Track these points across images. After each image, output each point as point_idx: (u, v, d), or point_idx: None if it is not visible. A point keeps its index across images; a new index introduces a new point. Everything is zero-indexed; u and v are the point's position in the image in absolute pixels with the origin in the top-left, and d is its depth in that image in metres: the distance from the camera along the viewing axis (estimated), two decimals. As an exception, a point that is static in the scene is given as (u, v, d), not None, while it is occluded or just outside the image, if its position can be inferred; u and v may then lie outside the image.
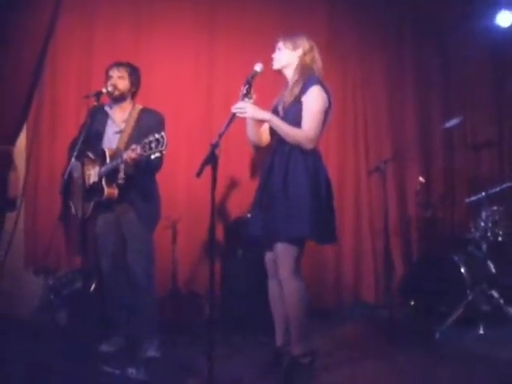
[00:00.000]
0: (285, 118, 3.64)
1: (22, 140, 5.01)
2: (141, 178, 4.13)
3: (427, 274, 5.23)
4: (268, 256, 3.82)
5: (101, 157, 4.11)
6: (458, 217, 5.99)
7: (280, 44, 3.74)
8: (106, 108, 4.26)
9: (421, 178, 5.48)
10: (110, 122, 4.27)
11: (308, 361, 3.69)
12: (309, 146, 3.57)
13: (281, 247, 3.62)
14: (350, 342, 4.61)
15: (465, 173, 6.18)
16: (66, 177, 4.10)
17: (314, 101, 3.59)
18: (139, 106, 4.30)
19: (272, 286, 3.83)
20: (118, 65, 4.28)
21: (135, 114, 4.24)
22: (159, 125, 4.18)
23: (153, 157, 3.66)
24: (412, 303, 5.28)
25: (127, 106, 4.29)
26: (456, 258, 5.01)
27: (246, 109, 3.52)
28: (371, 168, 5.59)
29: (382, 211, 5.39)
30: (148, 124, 4.17)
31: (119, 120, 4.26)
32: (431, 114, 6.22)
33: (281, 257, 3.63)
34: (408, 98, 6.15)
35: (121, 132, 4.22)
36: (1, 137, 4.81)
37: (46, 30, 4.86)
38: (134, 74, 4.31)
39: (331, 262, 5.73)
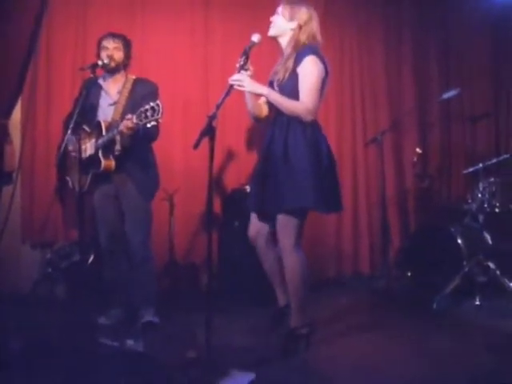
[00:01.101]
0: (281, 93, 3.61)
1: (17, 113, 4.98)
2: (137, 148, 4.12)
3: (424, 245, 5.24)
4: (257, 227, 3.83)
5: (96, 129, 4.09)
6: (454, 188, 6.01)
7: (279, 8, 3.69)
8: (100, 80, 4.23)
9: (418, 149, 5.47)
10: (103, 94, 4.25)
11: (306, 332, 3.71)
12: (308, 117, 3.54)
13: (283, 219, 3.61)
14: (348, 313, 4.62)
15: (462, 144, 6.18)
16: (61, 151, 4.09)
17: (309, 72, 3.55)
18: (132, 77, 4.28)
19: (266, 255, 3.83)
20: (114, 36, 4.24)
21: (129, 85, 4.22)
22: (153, 94, 4.16)
23: (149, 125, 3.65)
24: (409, 274, 5.29)
25: (120, 77, 4.26)
26: (453, 230, 5.02)
27: (244, 82, 3.48)
28: (368, 139, 5.60)
29: (379, 182, 5.40)
30: (142, 94, 4.15)
31: (113, 92, 4.24)
32: (429, 86, 6.19)
33: (282, 228, 3.63)
34: (406, 69, 6.12)
35: (115, 104, 4.20)
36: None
37: (41, 4, 4.79)
38: (128, 45, 4.29)
39: (330, 233, 5.76)
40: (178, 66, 5.34)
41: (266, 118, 3.90)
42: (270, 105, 3.79)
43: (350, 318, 4.47)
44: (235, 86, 3.47)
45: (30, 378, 3.18)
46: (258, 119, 3.91)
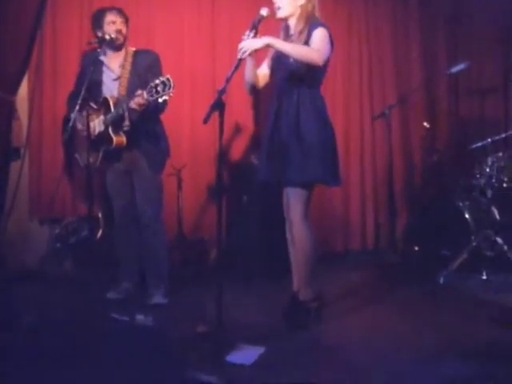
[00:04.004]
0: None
1: (23, 89, 4.96)
2: (146, 122, 4.11)
3: (432, 220, 5.24)
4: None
5: (103, 105, 4.08)
6: (462, 163, 5.97)
7: None
8: (100, 56, 4.17)
9: (426, 124, 5.45)
10: (105, 69, 4.23)
11: (316, 306, 3.73)
12: (319, 58, 3.44)
13: (292, 191, 3.63)
14: (357, 288, 4.64)
15: (470, 118, 6.13)
16: (69, 129, 4.06)
17: (321, 33, 3.51)
18: (131, 49, 4.25)
19: (287, 228, 3.82)
20: (120, 11, 4.22)
21: (130, 58, 4.20)
22: (155, 63, 4.18)
23: (161, 100, 3.64)
24: (416, 249, 5.30)
25: (121, 51, 4.24)
26: (461, 204, 5.01)
27: (245, 47, 3.41)
28: (376, 114, 5.57)
29: (386, 157, 5.39)
30: (144, 65, 4.15)
31: (114, 66, 4.22)
32: (436, 59, 6.12)
33: (292, 201, 3.65)
34: (413, 43, 6.07)
35: (119, 78, 4.18)
36: (2, 86, 4.76)
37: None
38: (128, 20, 4.27)
39: (338, 208, 5.77)
40: (185, 40, 5.33)
41: (262, 89, 3.88)
42: (274, 74, 3.77)
43: (359, 292, 4.51)
44: (241, 56, 3.40)
45: (40, 353, 3.19)
46: (253, 89, 3.86)
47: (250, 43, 3.42)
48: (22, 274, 4.69)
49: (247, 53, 3.41)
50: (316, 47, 3.48)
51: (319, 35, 3.51)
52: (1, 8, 4.71)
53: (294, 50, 3.47)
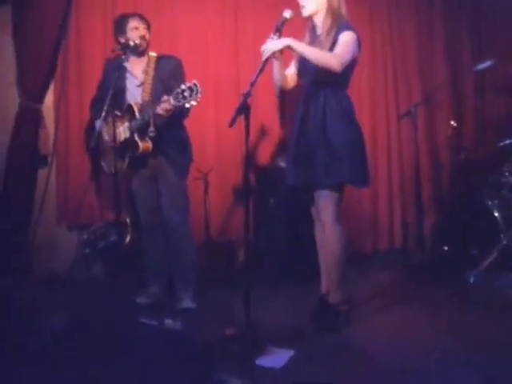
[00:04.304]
0: None
1: (50, 97, 5.01)
2: (171, 128, 4.11)
3: (461, 219, 5.17)
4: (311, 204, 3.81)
5: (128, 112, 4.10)
6: (491, 160, 5.90)
7: None
8: (123, 61, 4.14)
9: (452, 122, 5.40)
10: (128, 75, 4.24)
11: (346, 308, 3.72)
12: (338, 64, 3.41)
13: (322, 194, 3.63)
14: (386, 289, 4.61)
15: (497, 116, 6.06)
16: (95, 137, 4.07)
17: (348, 37, 3.50)
18: (154, 55, 4.26)
19: (316, 231, 3.82)
20: (142, 17, 4.23)
21: (152, 64, 4.21)
22: (178, 68, 4.20)
23: (188, 105, 3.66)
24: (445, 248, 5.24)
25: (144, 57, 4.25)
26: (490, 203, 4.94)
27: (266, 48, 3.40)
28: (402, 113, 5.54)
29: (413, 156, 5.35)
30: (167, 71, 4.16)
31: (138, 72, 4.23)
32: (462, 57, 6.06)
33: (323, 203, 3.64)
34: (438, 40, 6.00)
35: (142, 84, 4.20)
36: (29, 95, 4.82)
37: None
38: (150, 25, 4.28)
39: (366, 208, 5.74)
40: (209, 44, 5.33)
41: (292, 91, 3.87)
42: (302, 77, 3.77)
43: (388, 293, 4.48)
44: (264, 56, 3.39)
45: (70, 358, 3.19)
46: (282, 91, 3.87)
47: (271, 45, 3.41)
48: (51, 280, 4.73)
49: (268, 54, 3.40)
50: (337, 52, 3.46)
51: (346, 39, 3.50)
52: (26, 17, 4.78)
53: (313, 53, 3.46)
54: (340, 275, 3.69)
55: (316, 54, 3.46)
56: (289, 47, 3.44)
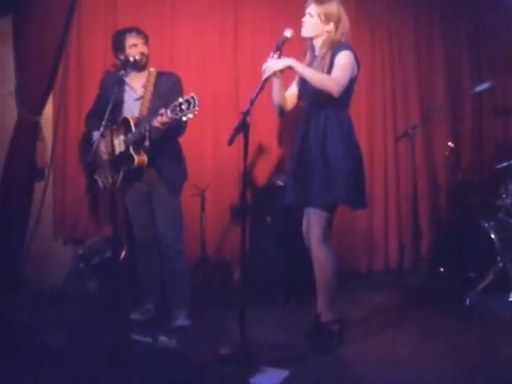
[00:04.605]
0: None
1: (48, 109, 4.99)
2: (166, 143, 4.11)
3: (457, 241, 5.16)
4: (304, 225, 3.80)
5: (123, 126, 4.10)
6: (487, 183, 5.91)
7: (312, 9, 3.63)
8: (122, 76, 4.09)
9: (450, 143, 5.42)
10: (127, 89, 4.24)
11: (337, 328, 3.70)
12: (335, 88, 3.44)
13: (313, 212, 3.63)
14: (381, 309, 4.59)
15: (495, 138, 6.09)
16: (93, 151, 4.07)
17: (343, 59, 3.52)
18: (154, 70, 4.26)
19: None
20: (138, 31, 4.23)
21: (152, 79, 4.21)
22: (177, 85, 4.19)
23: (185, 118, 3.65)
24: (442, 270, 5.23)
25: (144, 72, 4.25)
26: (486, 225, 4.94)
27: (269, 65, 3.43)
28: (399, 133, 5.55)
29: (410, 177, 5.36)
30: (166, 86, 4.16)
31: (137, 86, 4.23)
32: (460, 78, 6.10)
33: (312, 222, 3.64)
34: (437, 62, 6.04)
35: (141, 98, 4.20)
36: (28, 107, 4.80)
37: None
38: (148, 38, 4.28)
39: (361, 228, 5.72)
40: (208, 61, 5.32)
41: (291, 112, 3.89)
42: (302, 98, 3.79)
43: (383, 315, 4.46)
44: (265, 75, 3.42)
45: (63, 373, 3.19)
46: (282, 111, 3.86)
47: (272, 64, 3.44)
48: (45, 294, 4.70)
49: (269, 73, 3.42)
50: (335, 75, 3.49)
51: (342, 61, 3.52)
52: (26, 29, 4.77)
53: (313, 76, 3.48)
54: (330, 295, 3.68)
55: (315, 77, 3.48)
56: (290, 68, 3.45)
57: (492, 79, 5.20)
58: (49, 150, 4.95)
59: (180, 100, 3.66)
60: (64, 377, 3.15)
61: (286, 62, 3.44)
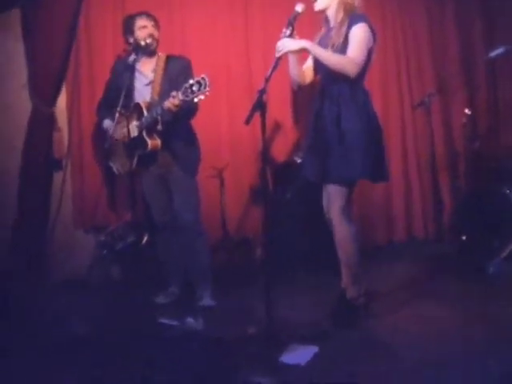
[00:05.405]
0: None
1: (62, 100, 4.99)
2: (179, 125, 4.11)
3: (478, 209, 5.11)
4: (324, 200, 3.78)
5: (136, 111, 4.10)
6: (505, 148, 5.85)
7: None
8: (131, 61, 4.13)
9: (467, 110, 5.36)
10: (137, 74, 4.24)
11: (362, 302, 3.71)
12: (353, 70, 3.43)
13: (332, 188, 3.61)
14: (403, 280, 4.57)
15: (510, 103, 6.01)
16: (108, 138, 4.10)
17: (359, 34, 3.48)
18: (163, 55, 4.26)
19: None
20: (148, 14, 4.23)
21: (161, 63, 4.20)
22: (187, 69, 4.18)
23: (196, 100, 3.64)
24: (463, 238, 5.19)
25: (153, 57, 4.24)
26: (507, 191, 4.89)
27: (284, 45, 3.40)
28: (416, 102, 5.50)
29: (428, 146, 5.32)
30: (176, 70, 4.16)
31: (147, 71, 4.23)
32: (474, 44, 6.02)
33: (332, 198, 3.63)
34: (449, 28, 5.98)
35: (151, 83, 4.20)
36: (41, 98, 4.81)
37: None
38: (158, 22, 4.28)
39: (381, 199, 5.72)
40: (219, 40, 5.31)
41: (309, 86, 3.87)
42: (318, 72, 3.76)
43: (407, 286, 4.44)
44: (278, 54, 3.39)
45: (90, 361, 3.21)
46: (301, 86, 3.85)
47: (287, 43, 3.41)
48: (69, 282, 4.74)
49: (282, 52, 3.40)
50: (352, 55, 3.45)
51: (357, 37, 3.48)
52: (35, 20, 4.76)
53: (329, 58, 3.46)
54: (354, 270, 3.68)
55: (331, 59, 3.46)
56: (305, 50, 3.44)
57: (506, 43, 5.11)
58: (65, 141, 4.96)
59: (191, 81, 3.65)
60: (91, 364, 3.17)
61: (302, 43, 3.43)
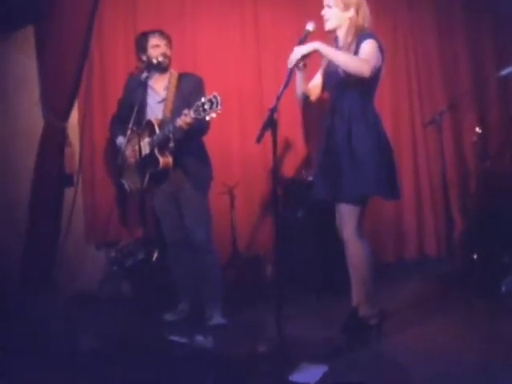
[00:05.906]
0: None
1: (74, 115, 5.01)
2: (190, 143, 4.12)
3: (489, 227, 5.10)
4: (337, 219, 3.77)
5: (148, 128, 4.12)
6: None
7: (329, 0, 3.61)
8: (143, 78, 4.16)
9: (477, 129, 5.35)
10: (150, 92, 4.26)
11: (375, 322, 3.68)
12: (368, 69, 3.39)
13: (344, 208, 3.59)
14: (414, 299, 4.56)
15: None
16: (120, 155, 4.12)
17: (369, 47, 3.47)
18: (176, 72, 4.28)
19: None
20: (162, 33, 4.26)
21: (174, 81, 4.22)
22: (199, 86, 4.20)
23: (208, 118, 3.65)
24: (475, 256, 5.16)
25: (166, 74, 4.26)
26: (519, 209, 4.88)
27: (294, 53, 3.40)
28: (427, 121, 5.50)
29: (439, 164, 5.30)
30: (188, 88, 4.17)
31: (159, 89, 4.25)
32: (485, 62, 6.04)
33: (344, 217, 3.61)
34: (460, 46, 5.99)
35: (164, 100, 4.22)
36: (54, 114, 4.83)
37: (92, 3, 4.80)
38: (171, 40, 4.30)
39: (392, 216, 5.71)
40: (230, 58, 5.34)
41: (315, 103, 3.87)
42: (327, 89, 3.76)
43: (418, 304, 4.42)
44: (290, 66, 3.39)
45: (100, 377, 3.20)
46: (305, 103, 3.84)
47: (298, 50, 3.40)
48: (79, 298, 4.73)
49: (296, 59, 3.39)
50: (365, 57, 3.44)
51: (368, 47, 3.47)
52: (48, 38, 4.80)
53: (341, 57, 3.44)
54: (367, 289, 3.65)
55: (345, 58, 3.44)
56: (317, 51, 3.42)
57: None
58: (76, 156, 4.97)
59: (203, 100, 3.67)
60: (100, 380, 3.16)
61: (312, 45, 3.41)
